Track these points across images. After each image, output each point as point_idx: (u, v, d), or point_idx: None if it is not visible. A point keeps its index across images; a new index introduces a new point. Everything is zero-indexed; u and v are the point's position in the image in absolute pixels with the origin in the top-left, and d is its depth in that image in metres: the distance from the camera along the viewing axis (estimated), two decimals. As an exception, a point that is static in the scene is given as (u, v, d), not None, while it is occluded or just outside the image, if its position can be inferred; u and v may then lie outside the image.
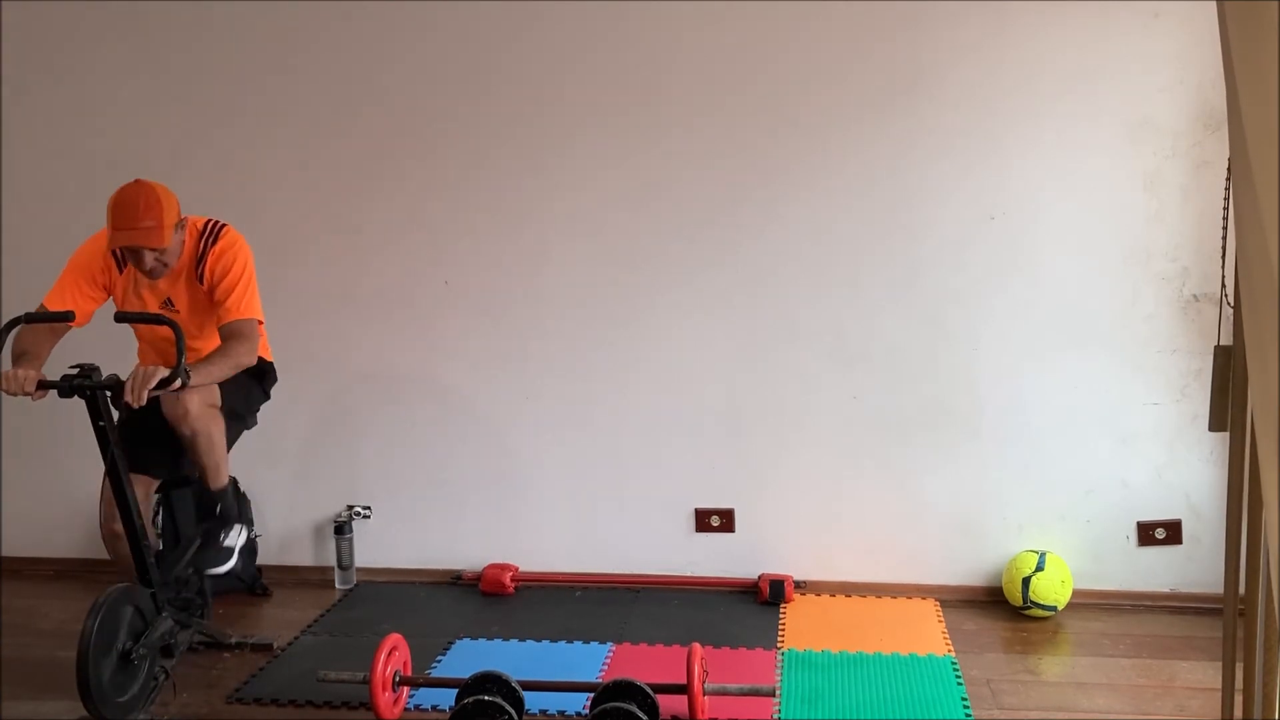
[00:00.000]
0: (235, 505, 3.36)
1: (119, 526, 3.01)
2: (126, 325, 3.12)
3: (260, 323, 3.17)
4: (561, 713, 2.97)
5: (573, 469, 3.88)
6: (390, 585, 3.93)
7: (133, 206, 2.95)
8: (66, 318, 2.94)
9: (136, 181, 3.00)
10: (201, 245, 3.12)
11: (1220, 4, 1.37)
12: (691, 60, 3.64)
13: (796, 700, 3.02)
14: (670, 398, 3.79)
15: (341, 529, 3.92)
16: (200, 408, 3.01)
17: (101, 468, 2.97)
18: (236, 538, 3.30)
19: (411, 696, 3.06)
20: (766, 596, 3.69)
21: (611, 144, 3.70)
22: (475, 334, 3.86)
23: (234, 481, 3.39)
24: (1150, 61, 3.43)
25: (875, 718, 2.92)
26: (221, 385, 3.10)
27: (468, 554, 3.94)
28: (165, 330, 3.02)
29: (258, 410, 3.44)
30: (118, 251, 3.09)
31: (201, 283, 3.13)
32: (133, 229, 2.93)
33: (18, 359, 2.95)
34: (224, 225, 3.17)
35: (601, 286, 3.78)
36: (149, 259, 3.02)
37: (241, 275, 3.10)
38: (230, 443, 3.24)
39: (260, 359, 3.28)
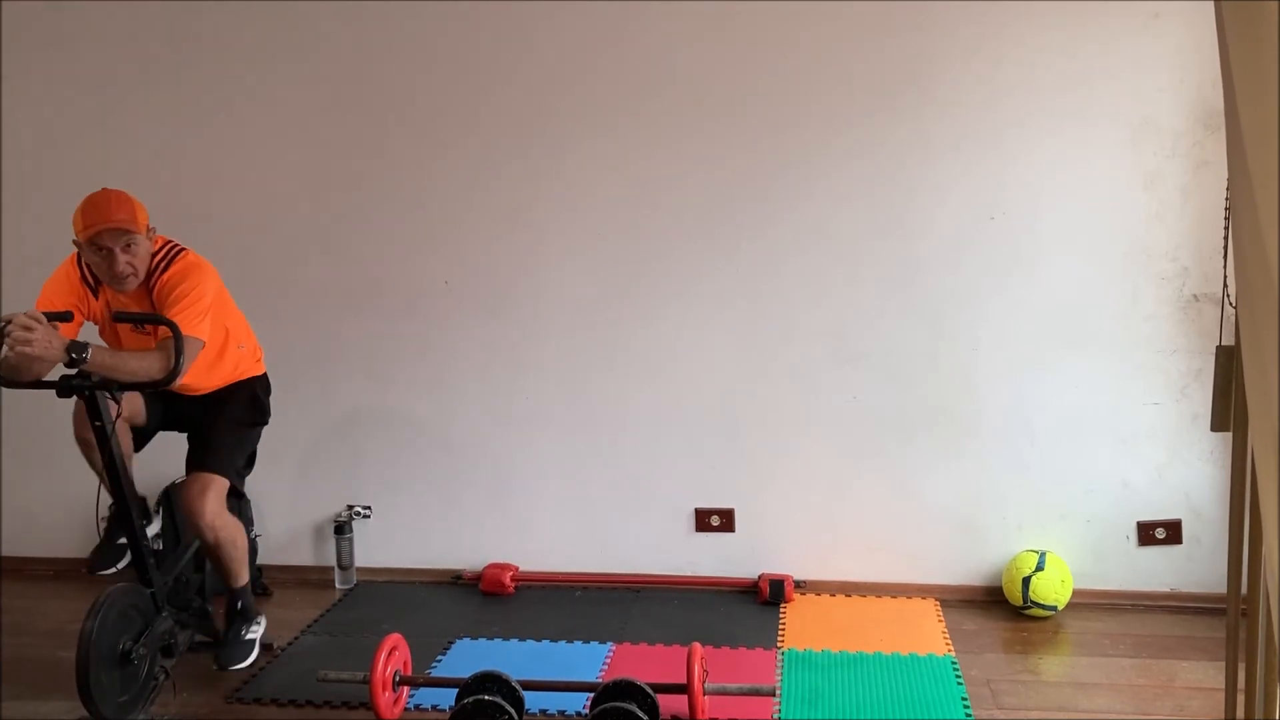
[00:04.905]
0: (254, 600, 3.39)
1: (90, 434, 2.96)
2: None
3: (204, 344, 3.01)
4: (561, 712, 2.97)
5: (573, 469, 3.88)
6: (390, 585, 3.93)
7: (104, 202, 2.92)
8: (65, 318, 2.93)
9: (104, 189, 2.97)
10: (155, 264, 3.04)
11: (1218, 4, 1.36)
12: (693, 62, 3.64)
13: (796, 700, 3.02)
14: (670, 397, 3.79)
15: (341, 529, 3.92)
16: (217, 513, 3.09)
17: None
18: (258, 631, 3.34)
19: (411, 696, 3.06)
20: (766, 596, 3.69)
21: (612, 145, 3.70)
22: (475, 334, 3.86)
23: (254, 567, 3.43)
24: (1150, 61, 3.43)
25: (875, 718, 2.92)
26: (230, 448, 3.19)
27: (468, 554, 3.94)
28: (149, 343, 3.03)
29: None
30: (88, 275, 3.03)
31: (151, 302, 3.04)
32: (107, 219, 2.88)
33: None
34: (183, 249, 3.09)
35: (602, 286, 3.78)
36: (121, 261, 2.92)
37: (189, 293, 2.98)
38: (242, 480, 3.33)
39: (256, 390, 3.33)
